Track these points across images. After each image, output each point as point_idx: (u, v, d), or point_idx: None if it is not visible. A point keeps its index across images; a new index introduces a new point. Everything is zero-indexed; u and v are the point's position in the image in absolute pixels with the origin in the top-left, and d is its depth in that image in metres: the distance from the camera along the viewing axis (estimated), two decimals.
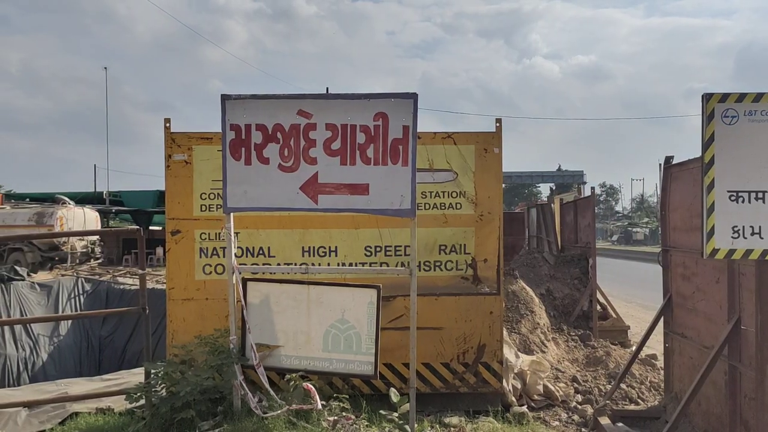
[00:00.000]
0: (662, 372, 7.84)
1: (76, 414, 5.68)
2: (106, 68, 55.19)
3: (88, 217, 28.49)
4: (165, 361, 5.64)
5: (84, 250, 27.61)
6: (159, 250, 27.24)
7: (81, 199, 33.65)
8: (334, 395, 5.05)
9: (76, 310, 21.56)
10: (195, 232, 5.86)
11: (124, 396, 5.67)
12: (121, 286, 22.12)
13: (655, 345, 8.40)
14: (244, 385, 5.03)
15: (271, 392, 4.95)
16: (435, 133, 6.15)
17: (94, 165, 49.94)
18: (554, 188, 63.57)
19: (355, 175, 4.86)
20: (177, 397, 4.80)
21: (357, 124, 4.84)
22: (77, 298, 21.84)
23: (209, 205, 5.88)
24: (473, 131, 6.25)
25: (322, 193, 4.90)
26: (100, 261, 28.03)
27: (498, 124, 6.21)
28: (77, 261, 26.53)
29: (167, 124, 5.83)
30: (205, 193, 5.88)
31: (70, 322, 21.32)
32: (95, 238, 28.17)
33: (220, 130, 5.73)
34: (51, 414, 5.70)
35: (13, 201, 32.96)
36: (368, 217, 5.92)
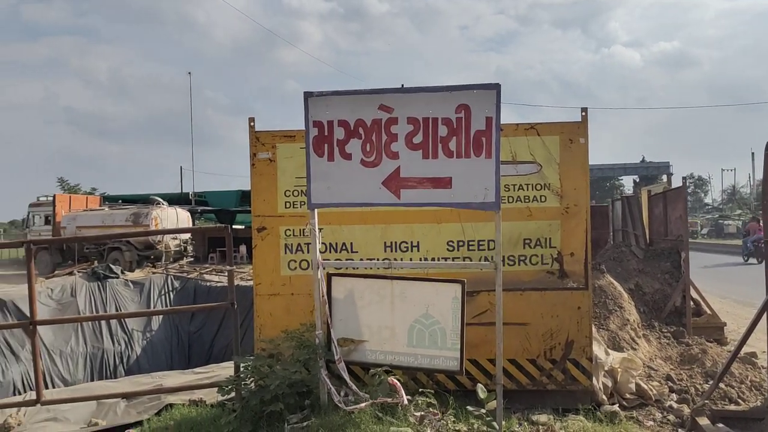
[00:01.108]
0: (764, 371, 7.38)
1: (171, 405, 5.91)
2: (190, 73, 57.30)
3: (180, 217, 29.54)
4: (253, 355, 5.78)
5: (177, 248, 28.70)
6: (242, 248, 28.07)
7: (169, 200, 35.16)
8: (420, 390, 5.02)
9: (167, 307, 22.58)
10: (280, 229, 5.97)
11: (215, 388, 5.87)
12: (208, 283, 23.01)
13: (755, 343, 7.91)
14: (329, 379, 5.08)
15: (352, 386, 4.97)
16: (517, 124, 6.00)
17: (180, 167, 52.15)
18: (638, 180, 61.13)
19: (438, 169, 4.81)
20: (266, 391, 4.90)
21: (439, 117, 4.78)
22: (167, 294, 22.87)
23: (293, 201, 5.98)
24: (557, 122, 6.06)
25: (405, 187, 4.87)
26: (191, 259, 29.19)
27: (584, 114, 6.00)
28: (171, 259, 27.73)
29: (251, 123, 5.97)
30: (289, 190, 5.98)
31: (161, 318, 22.35)
32: (187, 236, 29.33)
33: (302, 128, 5.82)
34: (147, 405, 5.96)
35: (107, 203, 34.76)
36: (450, 212, 5.86)
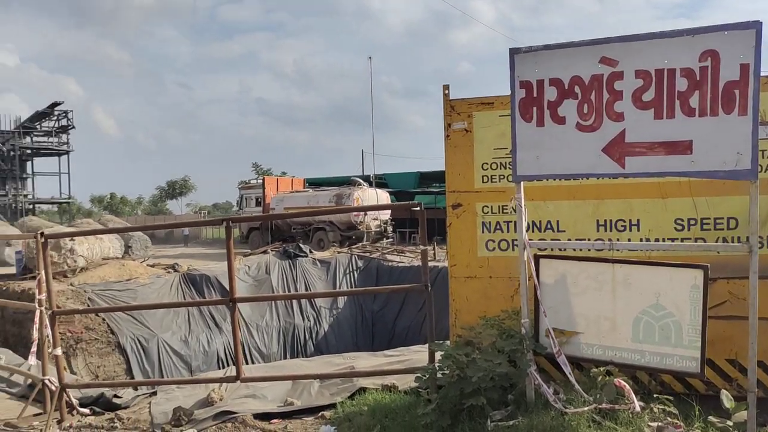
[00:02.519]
0: None
1: (363, 389, 5.69)
2: (370, 58, 58.97)
3: (380, 198, 30.32)
4: (447, 344, 5.36)
5: (378, 229, 29.44)
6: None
7: (344, 183, 36.33)
8: (655, 396, 4.24)
9: (351, 285, 23.25)
10: (477, 206, 5.45)
11: (405, 374, 5.55)
12: (390, 263, 23.33)
13: None
14: (538, 374, 4.49)
15: (577, 386, 4.33)
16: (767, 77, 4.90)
17: (362, 150, 53.80)
18: None
19: (674, 131, 3.98)
20: (467, 383, 4.44)
21: (676, 67, 3.94)
22: (351, 273, 23.55)
23: (491, 175, 5.42)
24: None
25: (631, 154, 4.11)
26: (391, 239, 29.72)
27: None
28: (371, 239, 28.57)
29: (446, 91, 5.49)
30: (487, 163, 5.42)
31: (346, 297, 23.09)
32: (387, 217, 30.00)
33: (501, 94, 5.24)
34: (340, 387, 5.80)
35: (309, 186, 36.45)
36: (679, 184, 4.94)
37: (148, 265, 21.59)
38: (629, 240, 5.11)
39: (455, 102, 5.48)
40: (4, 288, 17.23)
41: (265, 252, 23.29)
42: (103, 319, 16.84)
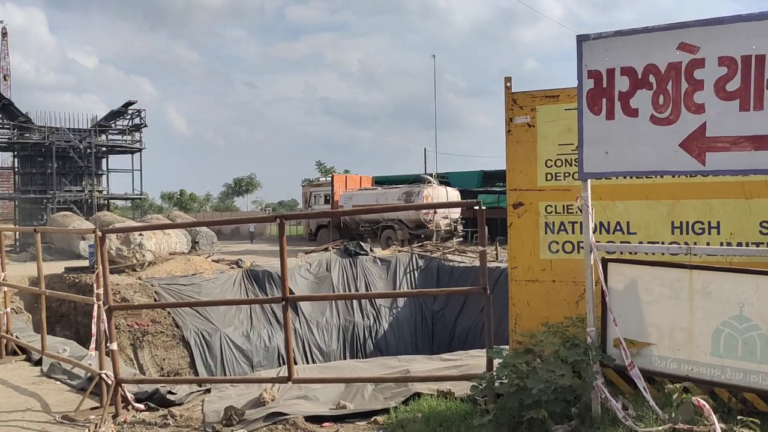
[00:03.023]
0: None
1: (418, 395, 5.48)
2: (434, 56, 58.29)
3: (450, 196, 29.58)
4: (507, 350, 5.08)
5: (447, 227, 28.68)
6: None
7: (413, 181, 36.01)
8: (739, 417, 3.84)
9: (411, 285, 23.04)
10: (539, 205, 5.14)
11: (462, 381, 5.30)
12: (450, 263, 22.99)
13: None
14: (605, 388, 4.16)
15: (652, 402, 3.97)
16: None
17: (424, 148, 53.33)
18: None
19: (763, 124, 3.59)
20: (527, 394, 4.16)
21: (766, 53, 3.54)
22: (412, 273, 23.34)
23: (555, 173, 5.09)
24: None
25: (712, 150, 3.73)
26: (460, 239, 29.01)
27: None
28: (440, 238, 27.89)
29: (508, 84, 5.19)
30: (551, 160, 5.10)
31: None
32: (457, 215, 29.29)
33: (566, 86, 4.92)
34: (395, 391, 5.60)
35: (375, 184, 36.13)
36: (766, 184, 4.49)
37: (212, 260, 22.02)
38: (708, 244, 4.69)
39: (517, 95, 5.18)
40: (76, 280, 17.88)
41: (326, 249, 23.36)
42: (169, 313, 17.23)
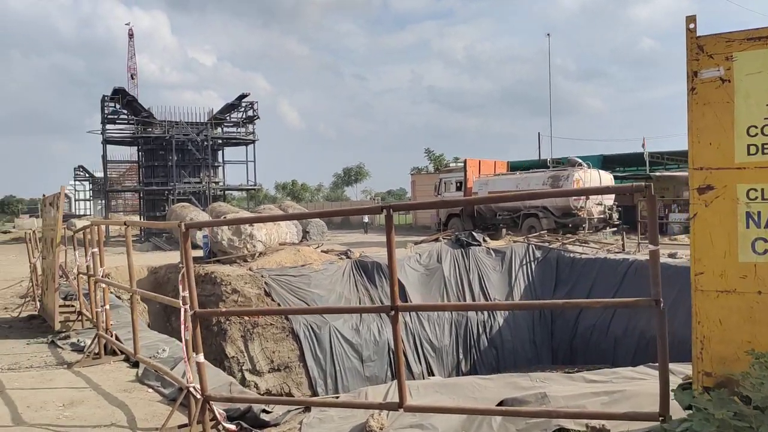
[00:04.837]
0: None
1: (562, 429, 4.31)
2: (548, 35, 55.34)
3: (604, 180, 26.11)
4: (689, 385, 3.80)
5: (601, 215, 25.40)
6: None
7: (527, 167, 33.93)
8: None
9: (527, 277, 21.54)
10: (738, 189, 3.74)
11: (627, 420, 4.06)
12: (571, 254, 21.22)
13: None
14: None
15: None
16: None
17: (538, 133, 50.72)
18: None
19: None
20: None
21: None
22: (528, 264, 21.81)
23: (762, 144, 3.68)
24: None
25: None
26: (614, 229, 25.69)
27: None
28: (593, 228, 25.00)
29: (690, 25, 3.82)
30: (755, 127, 3.69)
31: (522, 288, 21.44)
32: (612, 202, 26.01)
33: None
34: (530, 422, 4.45)
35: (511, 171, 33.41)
36: None
37: (321, 251, 21.63)
38: None
39: (706, 39, 3.80)
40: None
41: (436, 240, 22.33)
42: (278, 305, 16.93)
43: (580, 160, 27.19)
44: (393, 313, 4.31)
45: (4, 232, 50.87)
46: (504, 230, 25.86)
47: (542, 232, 23.96)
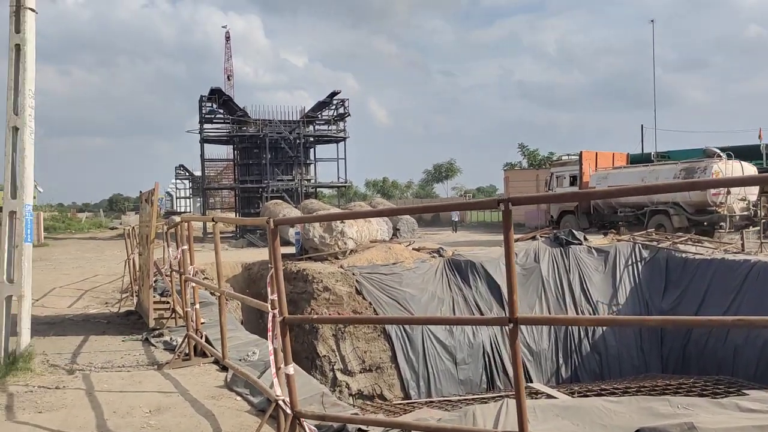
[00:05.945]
0: None
1: None
2: (652, 21, 51.86)
3: (747, 172, 23.39)
4: None
5: (743, 213, 22.78)
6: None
7: (646, 159, 31.65)
8: None
9: (633, 278, 19.98)
10: None
11: None
12: (683, 255, 19.53)
13: None
14: None
15: None
16: None
17: (641, 125, 47.71)
18: None
19: None
20: None
21: None
22: (634, 265, 20.24)
23: None
24: None
25: None
26: (758, 227, 22.81)
27: None
28: (734, 227, 22.52)
29: None
30: None
31: (628, 290, 19.92)
32: (755, 197, 23.21)
33: None
34: None
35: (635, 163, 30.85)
36: None
37: (413, 248, 21.07)
38: None
39: None
40: (282, 267, 17.87)
41: (533, 238, 21.23)
42: (370, 303, 16.52)
43: (718, 150, 24.37)
44: (512, 326, 3.64)
45: (112, 229, 53.71)
46: (622, 229, 23.71)
47: (658, 231, 22.15)
